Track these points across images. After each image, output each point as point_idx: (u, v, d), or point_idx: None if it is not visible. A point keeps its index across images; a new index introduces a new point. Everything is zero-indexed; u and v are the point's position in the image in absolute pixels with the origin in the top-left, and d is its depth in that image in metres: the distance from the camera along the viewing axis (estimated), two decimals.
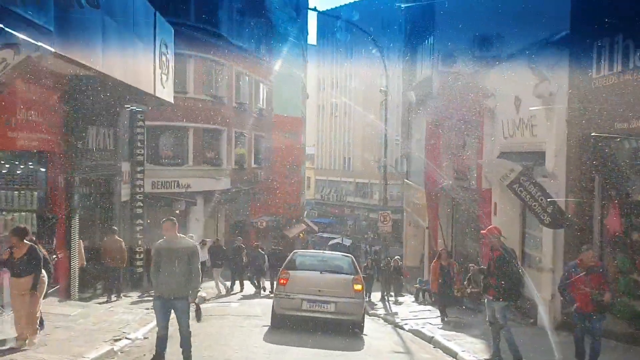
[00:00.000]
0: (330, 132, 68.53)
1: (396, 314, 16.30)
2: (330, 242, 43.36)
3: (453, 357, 9.40)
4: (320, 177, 67.49)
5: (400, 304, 17.94)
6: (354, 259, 12.33)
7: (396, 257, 20.75)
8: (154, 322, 8.12)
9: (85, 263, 13.44)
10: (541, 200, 10.12)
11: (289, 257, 12.04)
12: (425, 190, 20.13)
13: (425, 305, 18.00)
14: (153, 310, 7.54)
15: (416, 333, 12.07)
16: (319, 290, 10.46)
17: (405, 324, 13.33)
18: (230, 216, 29.50)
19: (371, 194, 57.71)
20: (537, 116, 11.32)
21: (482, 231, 9.13)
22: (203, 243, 18.67)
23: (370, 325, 13.62)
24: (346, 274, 11.13)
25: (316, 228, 49.30)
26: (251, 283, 18.99)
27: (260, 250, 19.31)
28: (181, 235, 7.53)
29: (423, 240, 26.85)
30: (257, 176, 32.56)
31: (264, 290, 18.43)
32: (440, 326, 12.60)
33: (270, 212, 34.82)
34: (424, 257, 22.75)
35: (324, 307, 10.42)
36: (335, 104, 67.20)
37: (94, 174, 14.28)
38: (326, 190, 66.22)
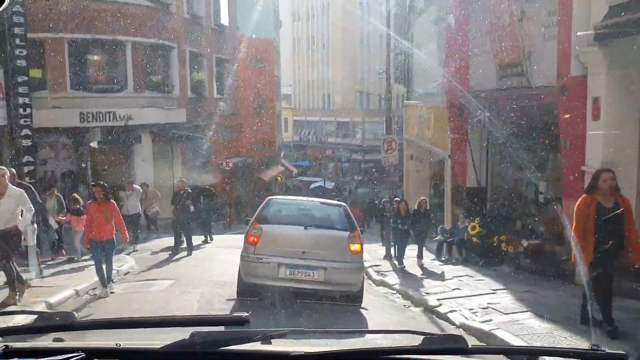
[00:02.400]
0: (307, 68, 62.44)
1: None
2: (312, 186, 39.28)
3: None
4: (298, 117, 61.59)
5: (429, 273, 12.34)
6: (348, 209, 9.08)
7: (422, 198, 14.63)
8: None
9: None
10: None
11: (261, 206, 9.01)
12: (448, 105, 14.36)
13: (454, 265, 12.67)
14: None
15: (486, 337, 6.48)
16: (303, 252, 8.00)
17: (451, 311, 7.80)
18: (188, 156, 23.84)
19: (353, 134, 52.74)
20: None
21: None
22: (130, 188, 13.01)
23: (381, 312, 8.30)
24: (339, 229, 8.34)
25: (295, 170, 44.40)
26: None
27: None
28: None
29: (429, 178, 21.76)
30: (220, 108, 26.83)
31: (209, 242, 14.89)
32: (536, 319, 7.17)
33: (239, 152, 29.44)
34: (443, 196, 17.16)
35: (309, 275, 7.89)
36: (312, 36, 60.73)
37: None
38: (305, 132, 60.60)
